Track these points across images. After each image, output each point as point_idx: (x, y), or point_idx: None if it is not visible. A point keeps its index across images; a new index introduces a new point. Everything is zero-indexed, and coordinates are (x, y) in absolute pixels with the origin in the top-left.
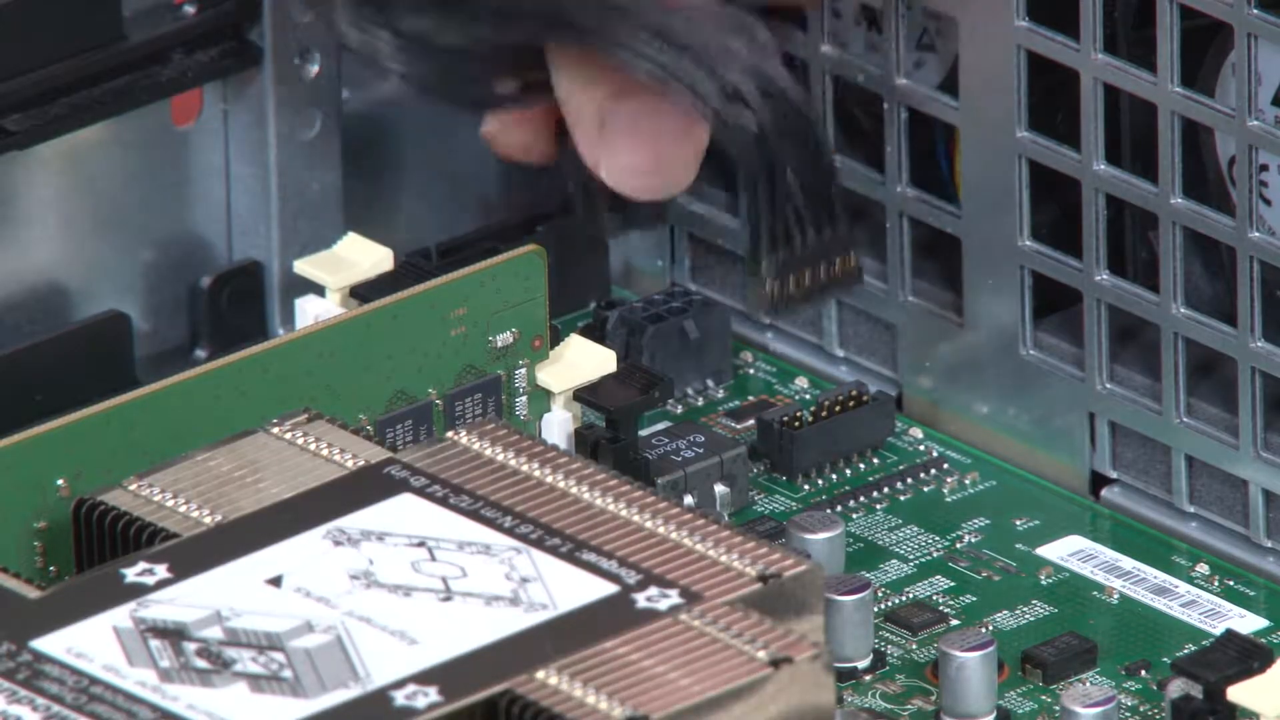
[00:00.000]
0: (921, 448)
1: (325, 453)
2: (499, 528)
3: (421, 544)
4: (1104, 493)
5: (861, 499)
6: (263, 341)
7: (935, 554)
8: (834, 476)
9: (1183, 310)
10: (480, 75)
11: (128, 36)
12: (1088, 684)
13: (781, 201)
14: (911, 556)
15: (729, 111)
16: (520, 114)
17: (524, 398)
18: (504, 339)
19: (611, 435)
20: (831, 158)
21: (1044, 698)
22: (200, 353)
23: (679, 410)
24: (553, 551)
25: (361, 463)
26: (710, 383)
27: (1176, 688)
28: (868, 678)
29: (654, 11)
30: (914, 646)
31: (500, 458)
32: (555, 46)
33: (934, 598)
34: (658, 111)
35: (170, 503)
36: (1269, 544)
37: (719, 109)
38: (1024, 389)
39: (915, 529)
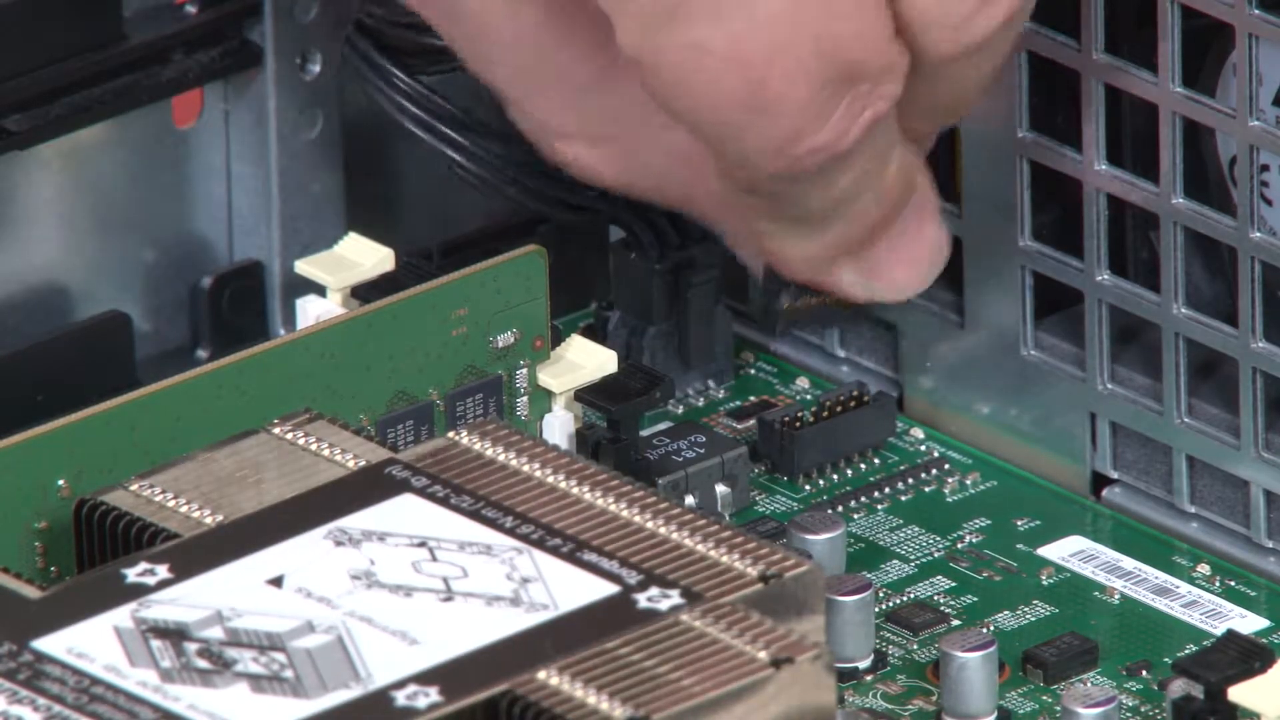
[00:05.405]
0: (922, 448)
1: (326, 453)
2: (500, 528)
3: (422, 544)
4: (1105, 493)
5: (862, 499)
6: (263, 342)
7: (936, 554)
8: (835, 477)
9: (1184, 310)
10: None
11: (128, 36)
12: (1089, 684)
13: None
14: (912, 557)
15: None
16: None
17: (525, 398)
18: (505, 339)
19: (613, 435)
20: None
21: (1045, 698)
22: (201, 353)
23: (680, 410)
24: (554, 552)
25: (362, 463)
26: (711, 383)
27: (1177, 688)
28: (869, 678)
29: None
30: (915, 647)
31: (501, 458)
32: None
33: (935, 598)
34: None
35: (171, 503)
36: (1270, 544)
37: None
38: (1025, 389)
39: (916, 529)
